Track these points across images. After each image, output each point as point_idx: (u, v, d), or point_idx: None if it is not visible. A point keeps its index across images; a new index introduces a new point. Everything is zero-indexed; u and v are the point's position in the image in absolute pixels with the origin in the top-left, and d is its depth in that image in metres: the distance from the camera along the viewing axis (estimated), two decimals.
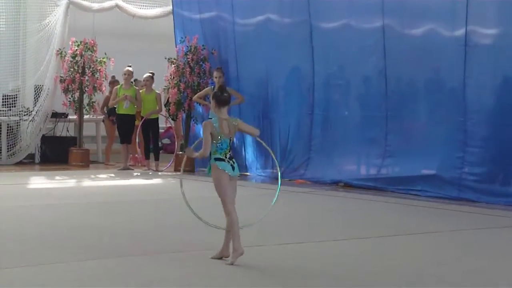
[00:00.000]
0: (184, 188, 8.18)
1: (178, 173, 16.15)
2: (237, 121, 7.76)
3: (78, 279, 6.90)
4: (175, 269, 7.37)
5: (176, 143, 17.77)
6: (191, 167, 16.49)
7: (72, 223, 9.80)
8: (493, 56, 12.68)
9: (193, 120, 16.80)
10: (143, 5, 18.49)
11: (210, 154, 7.70)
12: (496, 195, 12.35)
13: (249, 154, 16.38)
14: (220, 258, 7.66)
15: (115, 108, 16.86)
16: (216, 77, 15.78)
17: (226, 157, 7.60)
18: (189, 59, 16.60)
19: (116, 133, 17.08)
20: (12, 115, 16.98)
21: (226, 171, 7.56)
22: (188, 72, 16.55)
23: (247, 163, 16.35)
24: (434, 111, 13.45)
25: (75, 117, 17.53)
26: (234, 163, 7.66)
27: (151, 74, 16.70)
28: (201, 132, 7.92)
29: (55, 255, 7.83)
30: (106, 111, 17.52)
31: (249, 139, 16.24)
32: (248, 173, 16.10)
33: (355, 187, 14.03)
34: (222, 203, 7.60)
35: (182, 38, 17.08)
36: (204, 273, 7.24)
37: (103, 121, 17.98)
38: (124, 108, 16.35)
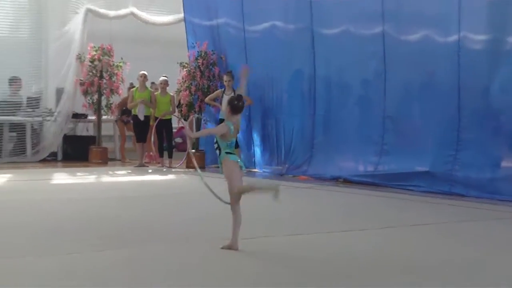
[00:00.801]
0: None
1: (191, 169, 16.28)
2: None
3: (96, 267, 6.90)
4: (189, 258, 7.40)
5: (187, 142, 17.87)
6: (202, 164, 16.63)
7: (91, 215, 9.83)
8: (485, 60, 12.67)
9: (203, 121, 16.92)
10: (157, 13, 18.61)
11: (220, 151, 7.85)
12: (484, 190, 12.40)
13: (257, 151, 16.49)
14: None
15: (126, 108, 17.05)
16: (226, 81, 15.88)
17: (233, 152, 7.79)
18: (199, 64, 16.69)
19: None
20: (36, 116, 17.12)
21: (238, 163, 7.72)
22: (198, 76, 16.64)
23: (255, 160, 16.48)
24: (429, 112, 13.45)
25: (94, 117, 17.63)
26: (240, 159, 7.83)
27: (166, 78, 16.82)
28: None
29: (75, 245, 7.82)
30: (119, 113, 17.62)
31: (256, 137, 16.41)
32: (256, 169, 16.20)
33: (354, 182, 14.09)
34: (233, 193, 7.62)
35: (193, 43, 17.18)
36: (215, 261, 7.29)
37: (115, 121, 18.10)
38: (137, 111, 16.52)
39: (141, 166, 16.47)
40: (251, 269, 7.08)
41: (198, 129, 16.97)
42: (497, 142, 12.62)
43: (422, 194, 12.78)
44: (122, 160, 17.84)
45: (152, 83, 17.34)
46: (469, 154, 12.76)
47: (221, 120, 15.93)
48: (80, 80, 17.13)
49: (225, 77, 15.95)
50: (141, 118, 16.44)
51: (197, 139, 16.98)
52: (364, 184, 13.86)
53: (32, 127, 17.12)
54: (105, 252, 7.58)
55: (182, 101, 16.89)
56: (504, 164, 12.74)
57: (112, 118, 17.89)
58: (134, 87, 17.39)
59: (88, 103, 17.15)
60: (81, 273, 6.68)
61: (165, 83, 16.75)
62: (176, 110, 17.12)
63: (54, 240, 8.16)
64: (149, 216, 10.07)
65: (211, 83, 16.74)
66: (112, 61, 17.18)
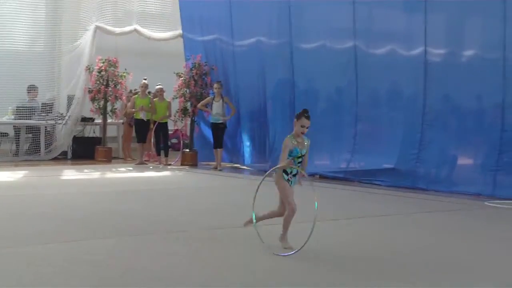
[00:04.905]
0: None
1: (185, 166, 16.14)
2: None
3: (99, 254, 6.83)
4: (181, 246, 7.30)
5: (181, 142, 17.70)
6: (194, 162, 16.48)
7: (97, 207, 9.72)
8: (445, 71, 12.67)
9: (196, 123, 16.81)
10: (157, 29, 18.49)
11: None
12: (442, 185, 12.43)
13: (245, 150, 16.38)
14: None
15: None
16: (216, 88, 15.75)
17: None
18: (193, 74, 16.58)
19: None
20: (49, 120, 16.94)
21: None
22: (192, 84, 16.54)
23: (244, 157, 16.37)
24: (395, 116, 13.47)
25: (100, 121, 17.47)
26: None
27: (161, 86, 16.70)
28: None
29: (83, 234, 7.77)
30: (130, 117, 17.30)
31: (244, 138, 16.29)
32: (244, 166, 16.07)
33: (328, 178, 14.02)
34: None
35: (188, 56, 17.07)
36: (206, 249, 7.19)
37: (122, 123, 17.93)
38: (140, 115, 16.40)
39: (141, 164, 16.29)
40: (232, 257, 6.92)
41: (192, 131, 16.83)
42: (454, 143, 12.67)
43: (388, 188, 12.76)
44: (124, 158, 17.65)
45: (149, 92, 17.21)
46: (430, 153, 12.79)
47: (212, 124, 15.83)
48: (89, 88, 16.96)
49: (215, 85, 15.83)
50: (145, 119, 16.30)
51: (191, 139, 16.82)
52: (337, 179, 13.78)
53: (46, 129, 16.93)
54: (107, 240, 7.49)
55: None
56: (459, 162, 12.74)
57: (116, 121, 17.71)
58: (136, 93, 17.21)
59: (95, 108, 16.99)
60: (85, 259, 6.54)
61: (161, 91, 16.61)
62: (172, 114, 16.94)
63: (67, 228, 8.06)
64: (146, 209, 9.93)
65: (203, 91, 16.64)
66: (117, 72, 17.01)
